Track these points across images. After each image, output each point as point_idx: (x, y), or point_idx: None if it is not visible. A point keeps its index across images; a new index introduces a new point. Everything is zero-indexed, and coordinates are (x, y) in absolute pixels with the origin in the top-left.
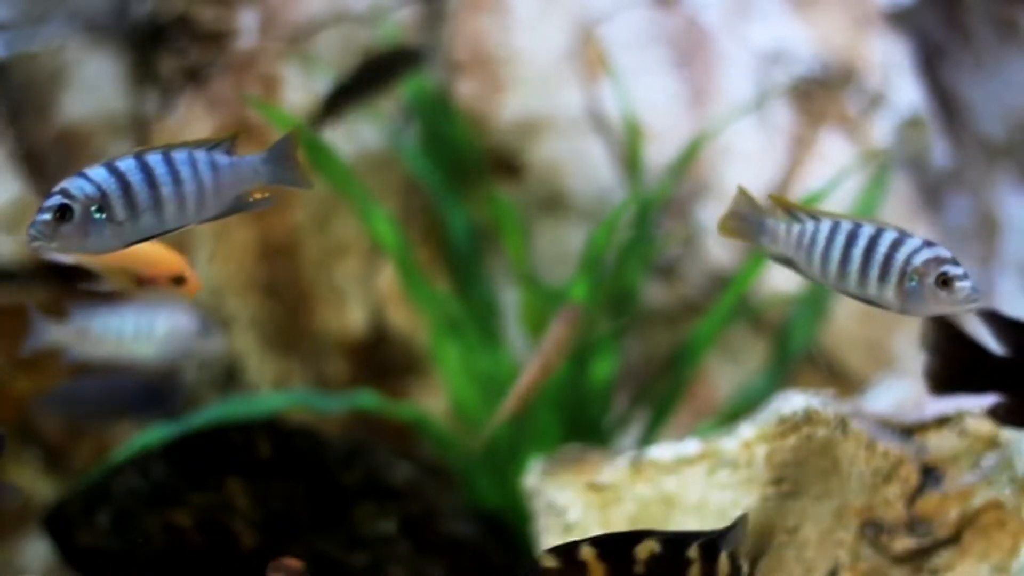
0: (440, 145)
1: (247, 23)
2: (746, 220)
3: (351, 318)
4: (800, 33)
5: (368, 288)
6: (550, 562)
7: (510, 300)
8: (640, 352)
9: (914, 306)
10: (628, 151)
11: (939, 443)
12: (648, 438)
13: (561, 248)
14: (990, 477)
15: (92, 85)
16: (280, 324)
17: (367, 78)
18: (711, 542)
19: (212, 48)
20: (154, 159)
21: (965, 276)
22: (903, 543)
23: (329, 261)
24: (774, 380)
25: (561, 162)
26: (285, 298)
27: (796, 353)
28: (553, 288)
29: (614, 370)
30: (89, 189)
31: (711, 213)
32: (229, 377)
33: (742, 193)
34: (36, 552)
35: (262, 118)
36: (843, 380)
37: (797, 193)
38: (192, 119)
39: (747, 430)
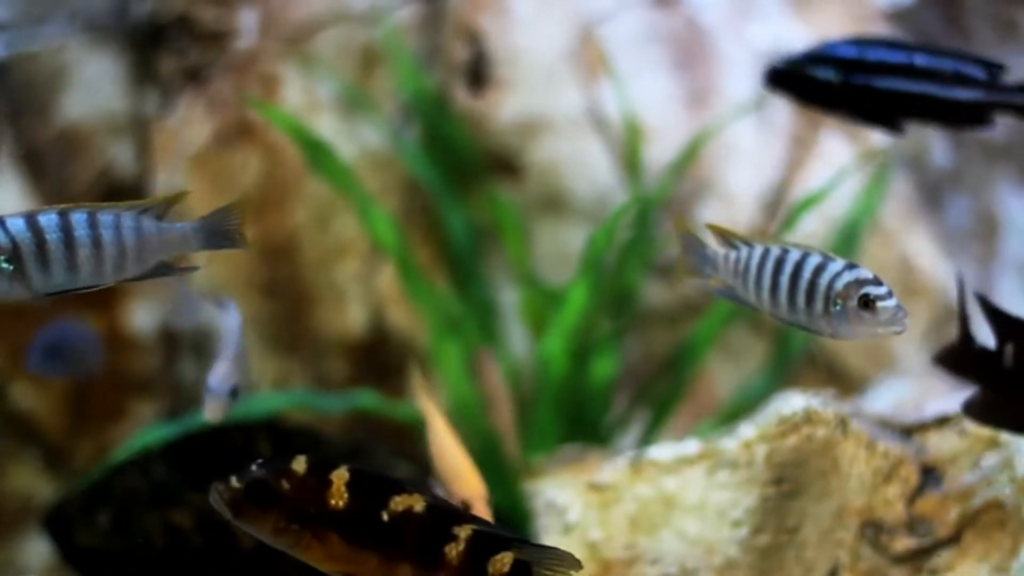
0: (440, 145)
1: (247, 23)
2: (695, 255)
3: (351, 318)
4: (800, 33)
5: (368, 288)
6: (300, 466)
7: (510, 300)
8: (640, 352)
9: (842, 330)
10: (628, 151)
11: (939, 443)
12: (648, 438)
13: (561, 248)
14: (990, 477)
15: (92, 85)
16: (280, 324)
17: None
18: (493, 536)
19: (212, 48)
20: (78, 218)
21: (888, 295)
22: (903, 543)
23: (329, 261)
24: (774, 380)
25: (561, 162)
26: (285, 298)
27: (796, 353)
28: (553, 288)
29: (614, 370)
30: (1, 239)
31: (711, 213)
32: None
33: (681, 228)
34: (36, 552)
35: (262, 118)
36: (843, 380)
37: (797, 193)
38: (192, 119)
39: (747, 430)
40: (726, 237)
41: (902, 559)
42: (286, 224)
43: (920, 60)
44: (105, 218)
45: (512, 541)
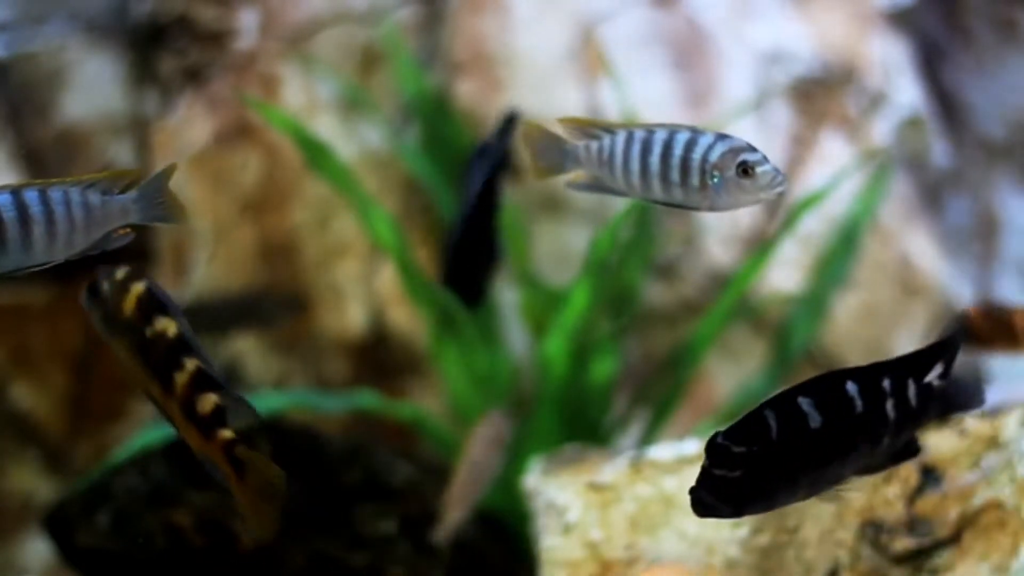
0: (440, 145)
1: (247, 23)
2: (551, 152)
3: (351, 318)
4: (800, 33)
5: (368, 288)
6: (120, 273)
7: (510, 300)
8: (640, 352)
9: (721, 201)
10: None
11: (939, 443)
12: (648, 438)
13: (561, 248)
14: (990, 477)
15: (92, 85)
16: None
17: (246, 309)
18: (210, 377)
19: (212, 48)
20: (31, 196)
21: (765, 160)
22: (903, 543)
23: (329, 261)
24: (774, 380)
25: None
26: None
27: (796, 353)
28: (553, 288)
29: (614, 370)
30: None
31: (711, 213)
32: (229, 377)
33: (532, 127)
34: (36, 552)
35: (261, 118)
36: None
37: (797, 193)
38: (192, 119)
39: None
40: (584, 128)
41: (902, 559)
42: (286, 224)
43: None
44: (56, 194)
45: (222, 387)
